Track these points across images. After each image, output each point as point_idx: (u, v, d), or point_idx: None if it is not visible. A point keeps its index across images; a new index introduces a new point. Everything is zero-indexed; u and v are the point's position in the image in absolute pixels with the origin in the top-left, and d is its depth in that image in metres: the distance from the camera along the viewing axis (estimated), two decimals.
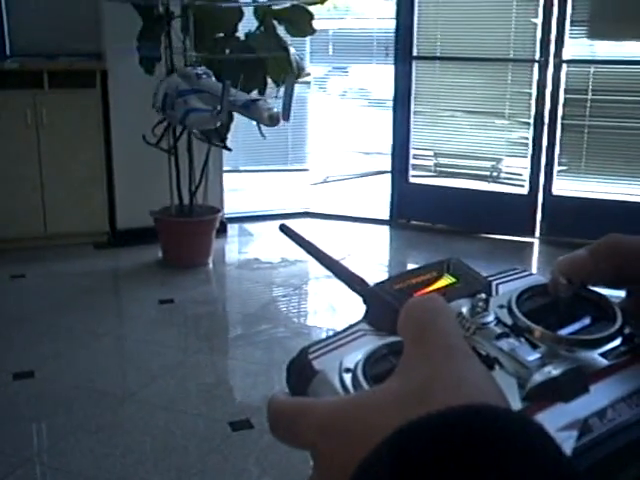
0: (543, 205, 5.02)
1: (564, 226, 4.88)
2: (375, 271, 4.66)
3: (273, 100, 3.95)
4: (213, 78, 4.09)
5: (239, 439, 2.72)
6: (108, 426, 2.82)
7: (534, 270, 4.75)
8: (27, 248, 4.58)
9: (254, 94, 4.21)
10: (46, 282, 4.34)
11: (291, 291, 4.32)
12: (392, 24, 5.24)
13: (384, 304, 0.43)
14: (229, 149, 4.41)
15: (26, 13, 4.74)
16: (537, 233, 5.04)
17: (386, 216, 5.45)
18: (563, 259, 0.43)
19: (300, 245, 0.51)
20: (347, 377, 0.38)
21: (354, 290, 0.47)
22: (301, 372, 0.40)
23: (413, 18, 5.09)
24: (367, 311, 0.45)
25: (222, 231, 4.96)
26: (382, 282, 0.45)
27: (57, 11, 4.76)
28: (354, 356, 0.39)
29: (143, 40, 4.37)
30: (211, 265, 4.57)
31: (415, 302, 0.37)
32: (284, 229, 0.52)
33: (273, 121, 3.77)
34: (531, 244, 5.02)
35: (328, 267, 0.49)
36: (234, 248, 5.15)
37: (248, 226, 5.37)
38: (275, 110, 3.77)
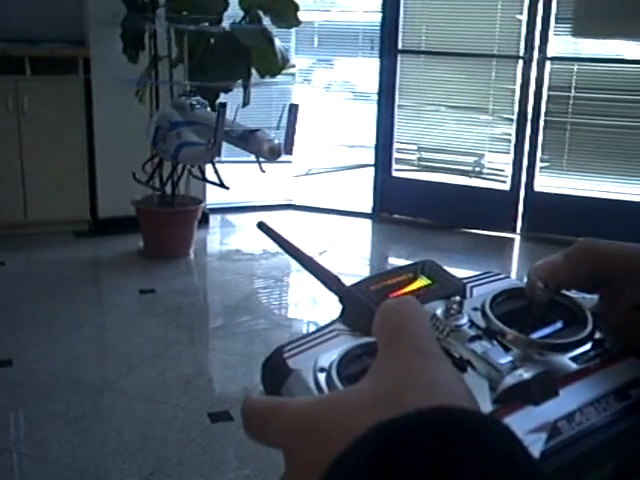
0: (525, 201, 5.05)
1: (545, 222, 4.91)
2: (356, 264, 4.67)
3: (273, 131, 3.64)
4: (208, 109, 3.90)
5: (218, 430, 2.72)
6: (86, 416, 2.81)
7: (514, 266, 4.79)
8: (7, 236, 4.54)
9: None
10: (26, 270, 4.32)
11: (272, 283, 4.32)
12: (378, 17, 5.24)
13: (360, 305, 0.44)
14: (227, 188, 4.09)
15: None
16: (518, 229, 5.08)
17: (369, 209, 5.46)
18: (539, 264, 0.44)
19: (278, 243, 0.52)
20: (321, 377, 0.38)
21: (330, 290, 0.47)
22: (276, 371, 0.41)
23: (399, 12, 5.09)
24: (343, 311, 0.45)
25: (204, 222, 4.95)
26: (358, 283, 0.46)
27: None
28: (329, 356, 0.40)
29: (127, 27, 4.34)
30: (192, 256, 4.55)
31: (389, 304, 0.38)
32: (262, 227, 0.53)
33: (274, 154, 3.48)
34: (512, 240, 5.05)
35: (305, 266, 0.50)
36: (216, 239, 5.14)
37: (230, 217, 5.36)
38: (276, 142, 3.49)
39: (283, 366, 0.40)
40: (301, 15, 4.54)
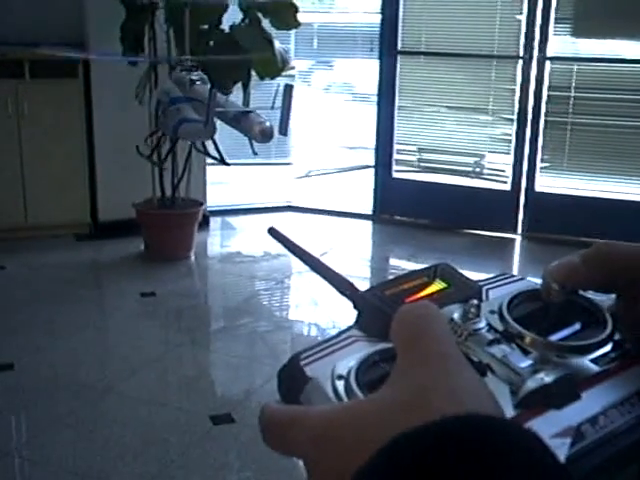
0: (525, 201, 5.04)
1: (546, 223, 4.91)
2: (357, 266, 4.66)
3: (268, 112, 3.64)
4: (208, 85, 3.89)
5: (220, 433, 2.71)
6: (88, 419, 2.81)
7: (515, 266, 4.78)
8: (7, 239, 4.53)
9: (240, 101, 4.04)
10: (26, 274, 4.31)
11: (273, 285, 4.32)
12: (377, 18, 5.23)
13: (376, 310, 0.43)
14: (228, 164, 4.12)
15: (7, 0, 4.67)
16: (519, 229, 5.07)
17: (369, 211, 5.45)
18: (555, 266, 0.43)
19: (289, 249, 0.51)
20: (340, 384, 0.38)
21: (344, 295, 0.46)
22: (293, 379, 0.40)
23: (398, 13, 5.09)
24: (358, 317, 0.45)
25: (205, 224, 4.94)
26: (373, 288, 0.45)
27: None
28: (346, 363, 0.39)
29: (126, 30, 4.34)
30: (193, 258, 4.55)
31: (407, 309, 0.37)
32: (273, 233, 0.52)
33: (265, 136, 3.49)
34: (513, 240, 5.04)
35: (317, 271, 0.49)
36: (216, 241, 5.13)
37: (231, 219, 5.36)
38: (268, 124, 3.51)
39: (300, 374, 0.40)
40: (300, 17, 4.54)
